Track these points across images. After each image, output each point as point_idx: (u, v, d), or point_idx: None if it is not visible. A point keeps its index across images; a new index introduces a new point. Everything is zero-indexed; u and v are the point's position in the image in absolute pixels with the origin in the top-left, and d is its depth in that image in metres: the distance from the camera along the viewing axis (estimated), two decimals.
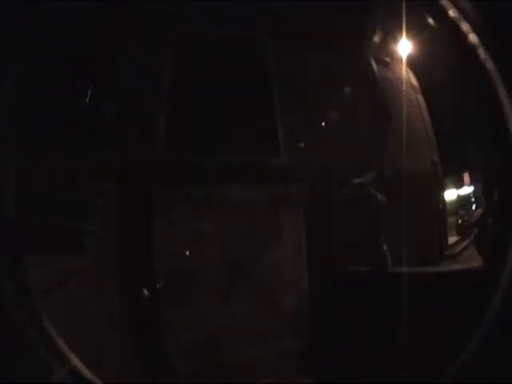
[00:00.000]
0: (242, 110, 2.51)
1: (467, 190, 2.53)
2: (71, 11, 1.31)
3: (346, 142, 2.56)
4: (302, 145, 2.54)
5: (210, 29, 2.50)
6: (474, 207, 2.52)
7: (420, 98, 2.72)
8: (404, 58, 2.45)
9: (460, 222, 2.66)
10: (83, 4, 1.45)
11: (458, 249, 2.61)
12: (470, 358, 1.15)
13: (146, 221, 2.22)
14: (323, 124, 2.51)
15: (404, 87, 2.52)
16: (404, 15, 1.77)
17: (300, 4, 2.36)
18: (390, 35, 2.48)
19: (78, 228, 2.12)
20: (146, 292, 2.18)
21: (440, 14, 1.21)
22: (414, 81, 2.67)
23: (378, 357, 2.09)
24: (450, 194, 2.64)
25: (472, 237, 2.47)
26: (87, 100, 2.43)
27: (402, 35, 2.11)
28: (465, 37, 1.16)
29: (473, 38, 1.16)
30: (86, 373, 1.23)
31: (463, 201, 2.57)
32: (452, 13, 1.17)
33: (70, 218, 2.12)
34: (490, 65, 1.14)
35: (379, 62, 2.70)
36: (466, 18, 1.15)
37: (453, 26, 1.18)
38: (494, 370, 1.13)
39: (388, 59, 2.69)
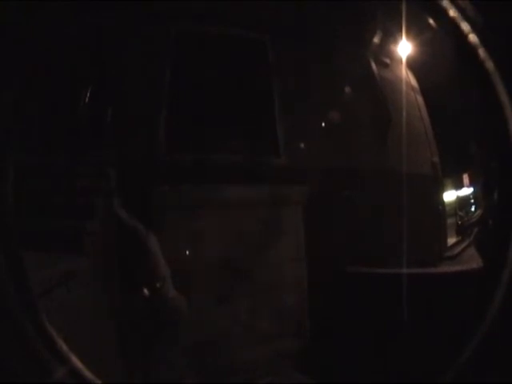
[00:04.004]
0: (242, 110, 2.51)
1: (467, 190, 2.53)
2: (71, 10, 1.31)
3: (345, 143, 2.56)
4: (302, 145, 2.54)
5: (210, 29, 2.50)
6: (473, 208, 2.52)
7: (419, 98, 2.72)
8: (404, 59, 2.45)
9: (459, 222, 2.66)
10: (83, 3, 1.45)
11: (457, 250, 2.61)
12: (470, 358, 1.15)
13: (146, 221, 2.22)
14: (323, 124, 2.51)
15: (404, 88, 2.52)
16: (404, 15, 1.77)
17: (300, 4, 2.36)
18: (390, 35, 2.48)
19: (77, 228, 2.12)
20: (146, 292, 2.18)
21: (440, 14, 1.21)
22: (413, 81, 2.67)
23: (377, 357, 2.09)
24: (450, 195, 2.64)
25: (472, 238, 2.47)
26: (87, 100, 2.43)
27: (401, 35, 2.11)
28: (465, 37, 1.16)
29: (473, 38, 1.16)
30: (86, 373, 1.22)
31: (462, 202, 2.57)
32: (452, 13, 1.17)
33: (70, 217, 2.12)
34: (489, 65, 1.14)
35: (379, 62, 2.70)
36: (466, 18, 1.15)
37: (453, 26, 1.18)
38: (494, 370, 1.13)
39: (388, 60, 2.69)
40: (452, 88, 1.97)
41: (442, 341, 1.76)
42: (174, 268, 2.23)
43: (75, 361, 1.21)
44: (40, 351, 1.16)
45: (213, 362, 2.25)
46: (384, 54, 2.66)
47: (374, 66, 2.71)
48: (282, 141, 2.57)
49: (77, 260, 2.06)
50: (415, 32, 2.05)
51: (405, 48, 2.35)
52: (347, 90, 2.52)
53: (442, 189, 2.69)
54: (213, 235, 2.32)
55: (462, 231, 2.63)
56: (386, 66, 2.71)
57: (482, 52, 1.15)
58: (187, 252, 2.25)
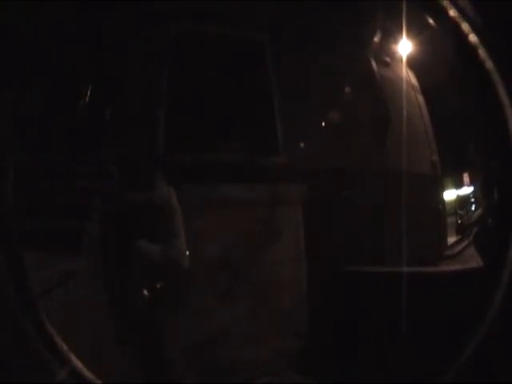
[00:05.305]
0: (242, 110, 2.51)
1: (467, 190, 2.52)
2: (71, 10, 1.31)
3: (345, 142, 2.56)
4: (302, 145, 2.53)
5: (210, 29, 2.50)
6: (473, 207, 2.52)
7: (420, 97, 2.72)
8: (404, 58, 2.44)
9: (459, 222, 2.66)
10: (83, 3, 1.45)
11: (457, 249, 2.60)
12: (469, 358, 1.15)
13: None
14: (323, 124, 2.51)
15: (404, 87, 2.52)
16: (404, 15, 1.77)
17: (300, 4, 2.36)
18: (390, 35, 2.48)
19: (77, 228, 2.12)
20: (145, 292, 2.18)
21: (440, 13, 1.21)
22: (414, 81, 2.67)
23: (377, 356, 2.09)
24: (450, 194, 2.63)
25: (471, 237, 2.47)
26: (87, 100, 2.43)
27: (401, 35, 2.11)
28: (465, 37, 1.16)
29: (473, 38, 1.16)
30: (86, 373, 1.23)
31: (463, 201, 2.57)
32: (452, 13, 1.17)
33: (70, 217, 2.12)
34: (489, 65, 1.14)
35: (379, 61, 2.70)
36: (466, 18, 1.16)
37: (453, 25, 1.18)
38: (494, 370, 1.14)
39: (388, 59, 2.69)
40: (452, 87, 1.97)
41: (442, 341, 1.76)
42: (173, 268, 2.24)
43: (75, 361, 1.21)
44: (40, 351, 1.17)
45: (213, 361, 2.25)
46: (384, 53, 2.65)
47: (374, 65, 2.71)
48: (281, 141, 2.57)
49: (77, 260, 2.06)
50: (415, 31, 2.05)
51: (405, 47, 2.35)
52: (347, 89, 2.52)
53: (441, 188, 2.68)
54: (212, 235, 2.32)
55: (462, 230, 2.63)
56: (387, 64, 2.71)
57: (481, 52, 1.15)
58: (187, 252, 2.25)
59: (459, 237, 2.64)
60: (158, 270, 2.22)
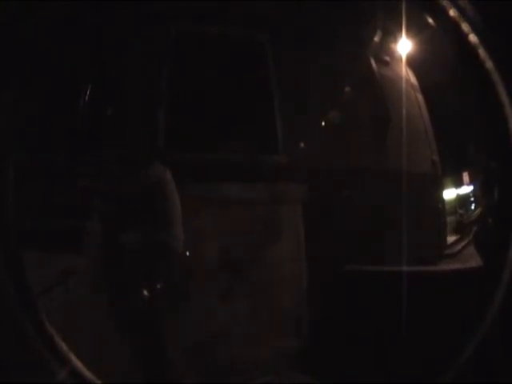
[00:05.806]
0: (242, 110, 2.51)
1: (467, 189, 2.53)
2: (71, 10, 1.31)
3: (345, 142, 2.56)
4: (302, 144, 2.54)
5: (210, 29, 2.50)
6: (473, 206, 2.53)
7: (420, 97, 2.72)
8: (404, 58, 2.45)
9: (459, 221, 2.66)
10: (83, 3, 1.45)
11: (457, 248, 2.61)
12: (470, 357, 1.15)
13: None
14: (323, 124, 2.51)
15: (404, 87, 2.52)
16: (404, 15, 1.77)
17: (300, 4, 2.36)
18: (390, 35, 2.48)
19: (77, 228, 2.12)
20: (145, 292, 2.18)
21: (440, 13, 1.21)
22: (413, 80, 2.67)
23: (377, 356, 2.09)
24: (450, 193, 2.64)
25: (471, 236, 2.47)
26: (87, 99, 2.43)
27: (401, 35, 2.11)
28: (465, 37, 1.16)
29: (473, 38, 1.16)
30: (86, 373, 1.23)
31: (462, 200, 2.58)
32: (452, 13, 1.17)
33: (70, 218, 2.12)
34: (489, 65, 1.14)
35: (379, 61, 2.70)
36: (466, 18, 1.15)
37: (453, 25, 1.18)
38: (494, 370, 1.14)
39: (388, 59, 2.69)
40: (452, 87, 1.97)
41: (442, 341, 1.76)
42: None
43: (75, 361, 1.21)
44: (40, 351, 1.16)
45: (213, 361, 2.25)
46: (384, 53, 2.66)
47: (374, 64, 2.71)
48: (281, 140, 2.57)
49: (76, 260, 2.06)
50: (415, 31, 2.05)
51: (405, 47, 2.35)
52: (347, 89, 2.52)
53: (441, 187, 2.69)
54: (213, 234, 2.32)
55: (462, 229, 2.64)
56: (387, 64, 2.71)
57: (481, 52, 1.15)
58: (187, 253, 2.25)
59: (459, 236, 2.65)
60: (158, 270, 2.22)
